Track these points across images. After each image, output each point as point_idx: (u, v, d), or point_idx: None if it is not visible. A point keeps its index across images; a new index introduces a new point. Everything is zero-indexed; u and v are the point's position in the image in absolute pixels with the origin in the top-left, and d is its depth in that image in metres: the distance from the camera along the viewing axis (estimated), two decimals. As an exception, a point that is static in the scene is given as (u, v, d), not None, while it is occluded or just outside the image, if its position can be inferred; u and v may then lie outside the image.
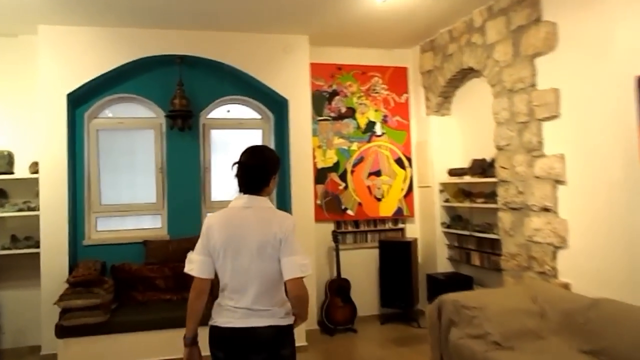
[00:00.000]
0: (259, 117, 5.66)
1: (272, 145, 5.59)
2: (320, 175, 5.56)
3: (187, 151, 5.29)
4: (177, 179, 5.26)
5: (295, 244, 2.20)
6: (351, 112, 5.69)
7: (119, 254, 5.04)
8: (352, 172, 5.64)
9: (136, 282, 4.87)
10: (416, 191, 5.85)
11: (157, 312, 4.54)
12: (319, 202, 5.54)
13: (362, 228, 5.72)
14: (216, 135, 5.55)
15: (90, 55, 4.82)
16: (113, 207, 5.24)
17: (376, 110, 5.76)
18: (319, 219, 5.51)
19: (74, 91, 4.79)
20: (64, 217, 4.70)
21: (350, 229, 5.69)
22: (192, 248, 2.30)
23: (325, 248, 5.56)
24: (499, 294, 3.87)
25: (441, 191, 5.54)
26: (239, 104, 5.61)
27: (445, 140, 5.60)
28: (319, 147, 5.57)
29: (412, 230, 5.87)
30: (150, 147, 5.30)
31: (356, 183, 5.65)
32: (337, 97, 5.65)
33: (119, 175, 5.27)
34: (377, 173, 5.72)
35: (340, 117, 5.65)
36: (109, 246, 5.08)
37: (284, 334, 2.20)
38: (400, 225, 5.85)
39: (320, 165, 5.57)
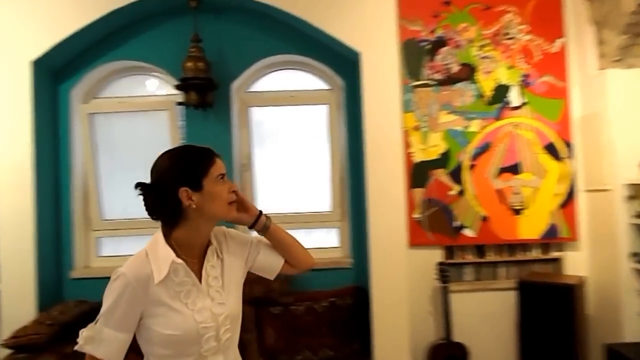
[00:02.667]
0: (325, 86, 3.78)
1: (342, 129, 3.68)
2: (418, 174, 3.52)
3: (213, 140, 3.57)
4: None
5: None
6: (468, 72, 3.56)
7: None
8: (472, 167, 3.52)
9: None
10: (582, 198, 3.54)
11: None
12: (415, 215, 3.51)
13: (488, 258, 3.56)
14: (259, 116, 3.78)
15: (61, 8, 3.32)
16: (116, 224, 3.71)
17: (511, 68, 3.56)
18: (416, 242, 3.47)
19: (45, 58, 3.31)
20: (30, 238, 3.24)
21: (469, 258, 3.56)
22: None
23: (426, 289, 3.49)
24: None
25: (630, 198, 3.20)
26: (292, 68, 3.78)
27: (634, 110, 3.25)
28: (416, 128, 3.53)
29: (576, 264, 3.54)
30: (164, 135, 3.69)
31: (478, 185, 3.52)
32: (444, 50, 3.56)
33: (123, 178, 3.73)
34: (514, 169, 3.53)
35: (450, 80, 3.55)
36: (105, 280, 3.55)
37: None
38: (555, 254, 3.57)
39: (418, 158, 3.53)
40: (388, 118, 3.33)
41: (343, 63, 3.55)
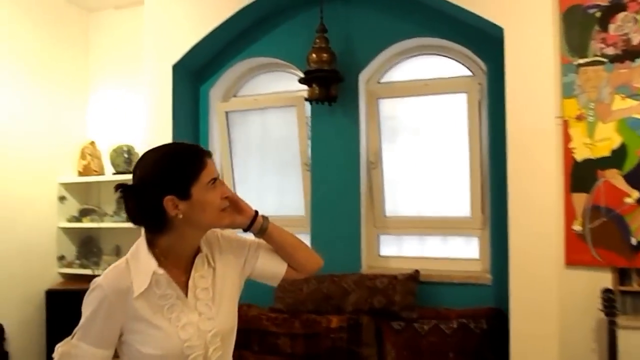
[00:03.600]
0: (465, 73, 3.26)
1: (484, 121, 3.13)
2: (581, 175, 2.78)
3: (339, 136, 3.33)
4: (326, 180, 3.36)
5: None
6: (656, 43, 2.71)
7: (249, 289, 3.47)
8: (660, 168, 2.68)
9: (251, 337, 3.21)
10: None
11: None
12: (575, 227, 2.79)
13: (684, 289, 2.68)
14: (389, 109, 3.42)
15: (196, 11, 3.42)
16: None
17: None
18: (574, 260, 2.75)
19: (183, 61, 3.46)
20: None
21: (652, 286, 2.72)
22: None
23: (587, 320, 2.73)
24: None
25: None
26: (428, 53, 3.34)
27: None
28: (579, 118, 2.80)
29: None
30: (293, 132, 3.57)
31: (669, 191, 2.66)
32: (621, 16, 2.74)
33: (258, 176, 3.73)
34: None
35: (629, 55, 2.72)
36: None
37: None
38: None
39: (581, 156, 2.80)
40: (537, 105, 2.71)
41: (486, 43, 2.99)
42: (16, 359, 3.60)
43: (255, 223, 1.43)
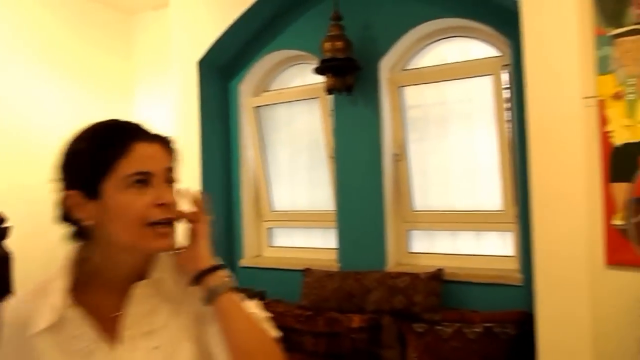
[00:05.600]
0: (492, 54, 2.96)
1: (514, 105, 2.83)
2: (621, 163, 2.41)
3: (360, 128, 3.19)
4: (349, 174, 3.25)
5: None
6: None
7: (281, 284, 3.50)
8: None
9: (276, 334, 3.22)
10: None
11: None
12: (616, 222, 2.43)
13: None
14: (414, 97, 3.22)
15: (217, 7, 3.44)
16: (285, 215, 3.72)
17: None
18: (616, 260, 2.40)
19: (208, 56, 3.51)
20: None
21: None
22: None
23: (627, 329, 2.36)
24: None
25: None
26: (453, 36, 3.08)
27: None
28: (617, 96, 2.42)
29: None
30: (318, 125, 3.49)
31: None
32: (667, -26, 2.35)
33: (288, 169, 3.71)
34: None
35: (678, 20, 2.33)
36: (273, 271, 3.60)
37: None
38: None
39: (620, 140, 2.41)
40: (561, 85, 2.39)
41: (509, 19, 2.68)
42: None
43: (209, 278, 0.98)
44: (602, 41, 2.44)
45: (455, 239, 3.15)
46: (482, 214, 3.02)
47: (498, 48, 2.92)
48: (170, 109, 3.76)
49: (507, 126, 2.87)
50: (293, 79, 3.71)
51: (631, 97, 2.39)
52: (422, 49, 3.16)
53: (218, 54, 3.56)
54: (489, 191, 2.99)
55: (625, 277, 2.40)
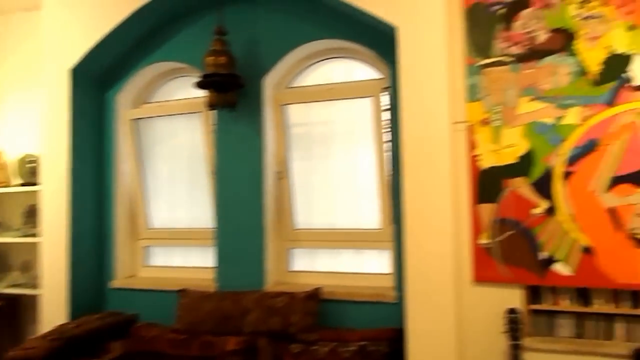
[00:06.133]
0: (374, 76, 3.05)
1: (391, 126, 2.90)
2: (487, 185, 2.57)
3: (242, 145, 3.12)
4: (230, 191, 3.14)
5: None
6: (563, 41, 2.47)
7: (156, 306, 3.27)
8: (568, 176, 2.44)
9: (147, 361, 2.99)
10: None
11: None
12: (483, 241, 2.58)
13: (596, 307, 2.44)
14: (297, 116, 3.21)
15: (91, 15, 3.22)
16: (163, 233, 3.52)
17: (632, 28, 2.39)
18: (483, 277, 2.53)
19: (82, 65, 3.26)
20: (64, 246, 3.20)
21: (564, 306, 2.47)
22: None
23: (492, 343, 2.50)
24: None
25: None
26: (337, 57, 3.14)
27: None
28: (484, 122, 2.59)
29: None
30: (198, 139, 3.36)
31: (578, 202, 2.42)
32: (526, 13, 2.54)
33: (168, 185, 3.52)
34: (638, 178, 2.37)
35: (535, 54, 2.52)
36: (148, 292, 3.36)
37: None
38: None
39: (486, 164, 2.58)
40: (432, 111, 2.50)
41: (389, 45, 2.77)
42: None
43: None
44: (472, 70, 2.60)
45: (336, 257, 3.15)
46: (362, 232, 3.05)
47: (380, 70, 3.00)
48: (38, 118, 3.43)
49: (385, 147, 2.94)
50: (176, 92, 3.55)
51: (497, 123, 2.56)
52: (307, 67, 3.18)
53: (94, 62, 3.31)
54: (369, 210, 3.03)
55: (490, 293, 2.53)
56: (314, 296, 2.82)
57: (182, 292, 3.11)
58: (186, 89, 3.45)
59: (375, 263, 3.07)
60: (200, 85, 2.93)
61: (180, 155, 3.46)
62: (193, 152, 3.41)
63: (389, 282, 2.94)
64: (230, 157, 3.13)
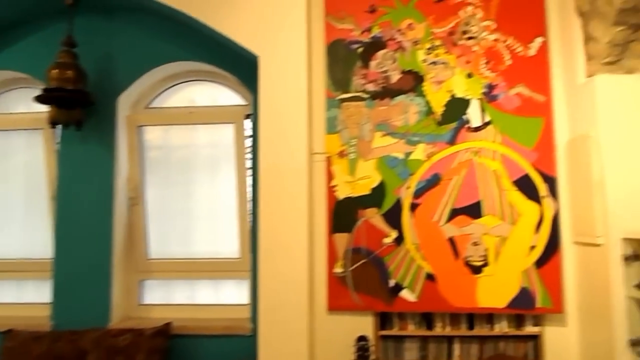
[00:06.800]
0: (238, 102, 3.03)
1: (252, 154, 2.89)
2: (343, 215, 2.66)
3: (90, 167, 2.88)
4: (73, 218, 2.85)
5: None
6: (413, 82, 2.70)
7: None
8: (415, 207, 2.63)
9: None
10: (570, 253, 2.56)
11: None
12: (338, 270, 2.64)
13: (437, 331, 2.62)
14: (154, 138, 3.07)
15: None
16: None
17: (470, 76, 2.69)
18: (336, 306, 2.58)
19: None
20: None
21: (410, 330, 2.64)
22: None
23: (350, 371, 2.58)
24: None
25: (630, 258, 2.21)
26: (200, 80, 3.07)
27: (634, 131, 2.29)
28: (341, 155, 2.70)
29: (562, 344, 2.54)
30: (39, 159, 3.04)
31: (423, 232, 2.60)
32: (381, 53, 2.73)
33: (3, 209, 3.11)
34: (474, 210, 2.60)
35: (388, 92, 2.71)
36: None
37: None
38: (531, 330, 2.58)
39: (343, 194, 2.68)
40: (290, 141, 2.53)
41: (252, 71, 2.78)
42: None
43: None
44: (331, 103, 2.68)
45: (193, 288, 3.00)
46: (220, 262, 2.95)
47: (244, 97, 2.98)
48: None
49: (246, 175, 2.90)
50: (17, 105, 3.18)
51: (352, 156, 2.66)
52: (169, 88, 3.04)
53: None
54: (229, 238, 2.95)
55: (343, 321, 2.58)
56: (163, 332, 2.63)
57: (8, 334, 2.72)
58: (27, 102, 3.10)
59: (234, 293, 2.98)
60: (41, 99, 2.65)
61: (16, 176, 3.08)
62: (32, 173, 3.05)
63: (247, 314, 2.87)
64: (75, 180, 2.85)
